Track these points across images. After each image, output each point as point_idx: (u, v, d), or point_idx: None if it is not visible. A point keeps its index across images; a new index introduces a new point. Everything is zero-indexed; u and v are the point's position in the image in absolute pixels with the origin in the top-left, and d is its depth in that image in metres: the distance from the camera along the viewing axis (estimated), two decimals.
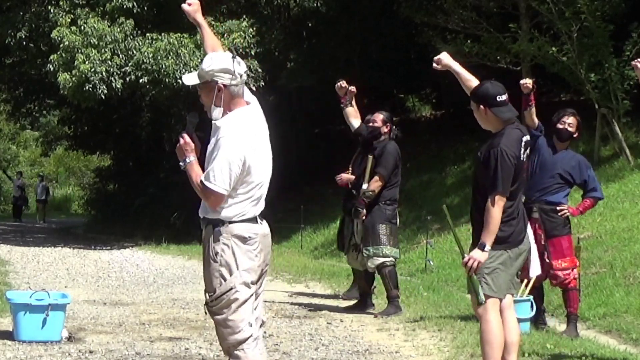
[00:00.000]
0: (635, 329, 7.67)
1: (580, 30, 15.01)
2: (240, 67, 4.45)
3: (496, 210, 5.18)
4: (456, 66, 5.60)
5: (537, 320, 7.75)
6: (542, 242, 7.56)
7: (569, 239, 7.67)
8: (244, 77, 4.49)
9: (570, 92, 20.15)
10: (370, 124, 9.06)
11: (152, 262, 14.96)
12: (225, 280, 4.54)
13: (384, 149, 8.87)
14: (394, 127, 9.22)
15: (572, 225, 7.95)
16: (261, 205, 4.67)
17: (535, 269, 5.48)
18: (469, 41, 16.80)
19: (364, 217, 8.75)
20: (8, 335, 7.35)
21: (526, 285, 7.54)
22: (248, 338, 4.54)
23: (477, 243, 5.28)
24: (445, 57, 5.65)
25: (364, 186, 8.77)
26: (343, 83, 9.19)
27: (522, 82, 7.51)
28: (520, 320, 7.45)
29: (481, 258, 5.20)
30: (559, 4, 15.09)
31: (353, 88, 9.20)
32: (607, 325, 8.00)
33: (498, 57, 16.81)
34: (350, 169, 9.18)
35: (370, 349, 7.10)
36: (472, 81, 5.52)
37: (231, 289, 4.54)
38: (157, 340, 7.48)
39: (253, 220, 4.61)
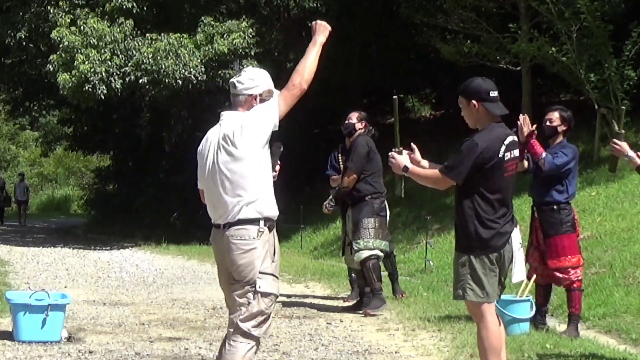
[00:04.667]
0: (634, 329, 7.67)
1: (580, 30, 15.00)
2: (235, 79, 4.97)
3: (434, 179, 5.24)
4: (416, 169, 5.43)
5: (537, 320, 7.74)
6: (541, 243, 7.55)
7: (569, 237, 7.52)
8: (235, 88, 4.95)
9: (570, 92, 20.15)
10: (346, 121, 9.24)
11: (152, 263, 14.95)
12: None
13: (353, 143, 9.03)
14: (371, 127, 9.31)
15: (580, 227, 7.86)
16: (210, 212, 5.00)
17: (518, 275, 5.43)
18: (468, 41, 16.81)
19: (329, 210, 9.22)
20: (8, 336, 7.35)
21: (526, 285, 7.54)
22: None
23: (458, 247, 5.31)
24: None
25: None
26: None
27: (521, 120, 7.41)
28: (519, 321, 7.49)
29: (401, 160, 5.31)
30: (559, 4, 15.08)
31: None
32: (607, 326, 7.99)
33: (498, 57, 16.81)
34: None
35: (369, 349, 7.09)
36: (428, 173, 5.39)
37: None
38: (157, 340, 7.48)
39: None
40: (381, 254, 8.91)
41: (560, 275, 7.50)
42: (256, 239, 4.81)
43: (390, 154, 5.41)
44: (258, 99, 4.93)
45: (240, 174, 4.81)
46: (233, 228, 4.84)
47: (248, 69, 5.01)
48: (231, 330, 4.87)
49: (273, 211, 4.88)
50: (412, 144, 5.31)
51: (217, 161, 4.85)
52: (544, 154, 7.38)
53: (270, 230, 4.87)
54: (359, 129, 9.12)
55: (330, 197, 9.26)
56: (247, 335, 4.82)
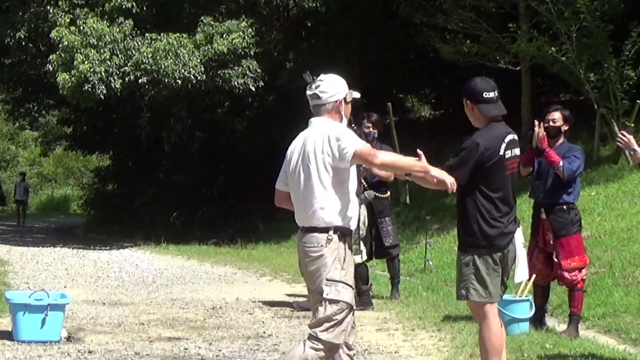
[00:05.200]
0: (634, 329, 7.67)
1: (580, 30, 15.00)
2: (309, 90, 5.15)
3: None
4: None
5: (537, 320, 7.74)
6: (551, 243, 7.55)
7: (578, 237, 7.61)
8: (311, 99, 5.13)
9: (569, 92, 20.15)
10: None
11: (152, 262, 14.95)
12: None
13: None
14: (353, 125, 9.31)
15: None
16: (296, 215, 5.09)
17: (521, 275, 5.43)
18: (468, 41, 16.81)
19: None
20: (7, 336, 7.35)
21: (525, 285, 7.54)
22: None
23: (460, 247, 5.31)
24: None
25: None
26: None
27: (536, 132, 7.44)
28: (519, 321, 7.49)
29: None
30: (558, 3, 15.08)
31: None
32: (607, 325, 8.00)
33: (497, 57, 16.81)
34: None
35: (369, 349, 7.09)
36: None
37: None
38: (156, 340, 7.48)
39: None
40: (365, 257, 9.09)
41: (569, 276, 7.52)
42: (324, 246, 4.87)
43: None
44: (343, 103, 5.10)
45: (320, 181, 4.90)
46: (306, 234, 4.94)
47: (323, 77, 5.11)
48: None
49: (345, 221, 4.94)
50: (418, 150, 5.32)
51: (304, 166, 4.96)
52: (561, 162, 7.42)
53: (340, 239, 4.91)
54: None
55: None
56: (314, 338, 4.86)
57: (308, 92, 5.13)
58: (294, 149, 5.07)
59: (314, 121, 5.09)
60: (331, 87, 5.08)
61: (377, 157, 4.92)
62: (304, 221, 4.96)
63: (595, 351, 6.76)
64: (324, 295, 4.86)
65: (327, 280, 4.87)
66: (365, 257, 9.09)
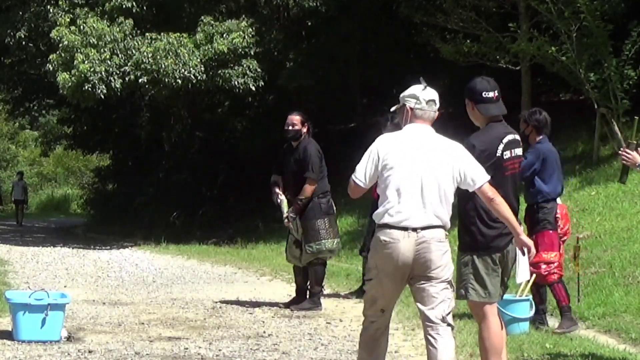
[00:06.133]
0: (634, 329, 7.67)
1: (580, 29, 14.99)
2: (425, 94, 5.15)
3: None
4: None
5: (537, 320, 7.76)
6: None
7: (546, 234, 7.71)
8: (427, 104, 5.15)
9: (569, 92, 20.13)
10: (290, 127, 9.20)
11: (152, 262, 14.94)
12: None
13: (305, 151, 9.09)
14: (310, 125, 9.42)
15: (571, 225, 7.96)
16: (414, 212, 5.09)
17: (523, 275, 5.43)
18: (468, 41, 16.78)
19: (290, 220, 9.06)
20: (7, 335, 7.35)
21: (526, 285, 7.54)
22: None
23: (460, 247, 5.31)
24: None
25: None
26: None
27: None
28: (519, 320, 7.49)
29: None
30: (558, 3, 15.07)
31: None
32: (607, 325, 7.99)
33: (497, 57, 16.79)
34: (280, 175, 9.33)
35: None
36: None
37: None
38: (157, 340, 7.48)
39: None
40: (331, 255, 9.31)
41: (534, 270, 7.54)
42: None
43: None
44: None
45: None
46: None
47: (428, 88, 5.20)
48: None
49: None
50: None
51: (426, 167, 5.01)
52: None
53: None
54: (304, 133, 9.22)
55: (289, 208, 9.13)
56: (448, 324, 5.01)
57: (426, 97, 5.14)
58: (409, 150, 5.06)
59: (417, 129, 5.11)
60: (438, 99, 5.19)
61: (496, 199, 5.07)
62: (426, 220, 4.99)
63: (595, 351, 6.76)
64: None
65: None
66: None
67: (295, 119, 9.23)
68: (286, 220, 9.11)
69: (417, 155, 5.01)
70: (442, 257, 4.95)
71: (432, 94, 5.16)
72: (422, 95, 5.14)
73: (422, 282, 4.98)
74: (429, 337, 4.97)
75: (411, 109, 5.15)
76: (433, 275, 4.95)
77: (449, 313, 5.00)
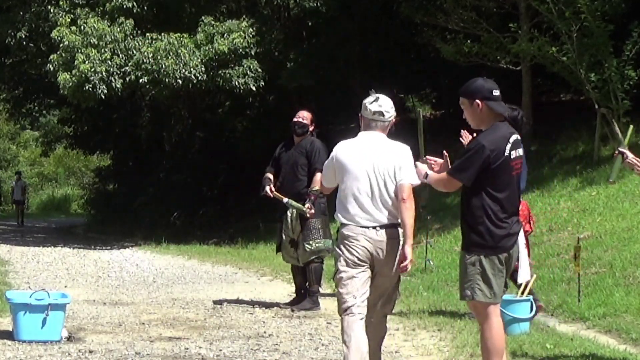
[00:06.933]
0: (635, 329, 7.67)
1: (580, 30, 15.00)
2: (373, 106, 5.66)
3: (444, 182, 5.31)
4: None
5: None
6: None
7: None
8: (373, 115, 5.67)
9: (570, 92, 20.15)
10: (300, 119, 9.26)
11: (152, 262, 14.95)
12: None
13: (312, 143, 9.17)
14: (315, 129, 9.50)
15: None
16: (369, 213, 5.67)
17: (524, 275, 5.44)
18: (468, 41, 16.80)
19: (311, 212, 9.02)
20: (8, 335, 7.35)
21: (525, 286, 7.54)
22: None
23: (465, 247, 5.30)
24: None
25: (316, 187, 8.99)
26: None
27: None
28: (519, 321, 7.49)
29: (422, 168, 5.52)
30: (559, 3, 15.08)
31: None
32: (607, 325, 7.99)
33: (498, 57, 16.81)
34: (273, 170, 9.32)
35: None
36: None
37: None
38: (157, 340, 7.48)
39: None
40: (328, 254, 9.20)
41: None
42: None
43: (416, 162, 5.63)
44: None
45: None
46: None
47: (381, 97, 5.67)
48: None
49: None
50: (444, 152, 5.53)
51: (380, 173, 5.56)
52: None
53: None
54: (310, 131, 9.31)
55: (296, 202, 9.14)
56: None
57: (372, 109, 5.64)
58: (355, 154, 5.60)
59: (369, 136, 5.64)
60: (391, 108, 5.69)
61: (407, 203, 5.52)
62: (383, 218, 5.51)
63: (596, 351, 6.76)
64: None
65: None
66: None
67: (306, 115, 9.33)
68: (312, 211, 9.00)
69: (366, 159, 5.55)
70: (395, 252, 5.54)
71: (379, 106, 5.63)
72: (370, 107, 5.67)
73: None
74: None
75: (362, 117, 5.73)
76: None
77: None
